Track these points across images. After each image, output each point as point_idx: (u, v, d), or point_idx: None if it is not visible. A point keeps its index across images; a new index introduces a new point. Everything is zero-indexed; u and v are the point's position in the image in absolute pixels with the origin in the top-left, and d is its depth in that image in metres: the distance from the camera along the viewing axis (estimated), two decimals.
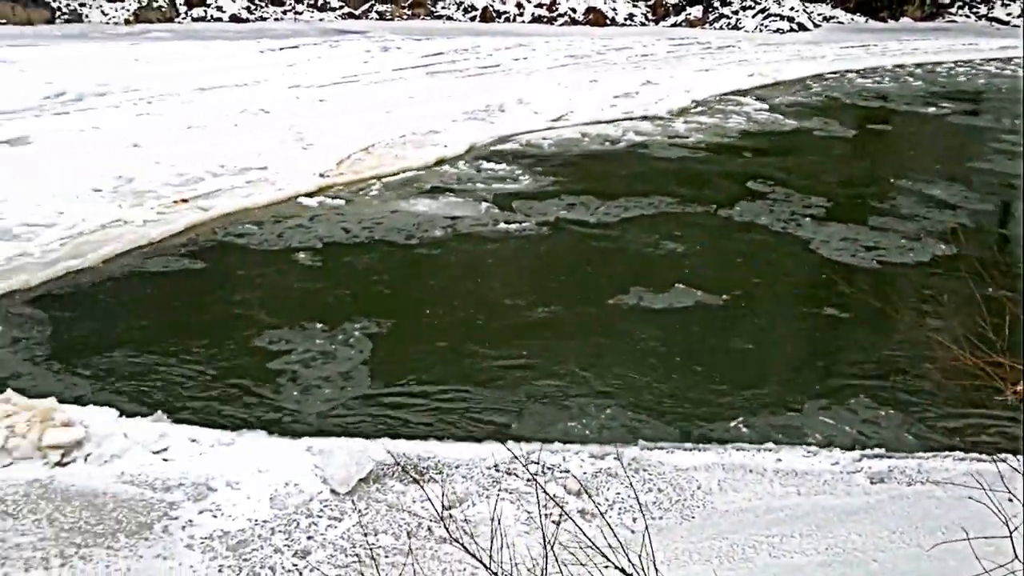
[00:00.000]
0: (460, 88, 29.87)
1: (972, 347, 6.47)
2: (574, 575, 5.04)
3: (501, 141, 22.22)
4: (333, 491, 7.69)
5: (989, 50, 46.44)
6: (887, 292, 13.38)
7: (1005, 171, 20.98)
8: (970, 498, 5.82)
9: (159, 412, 8.90)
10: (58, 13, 47.04)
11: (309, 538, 7.09)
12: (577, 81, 31.89)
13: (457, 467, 8.16)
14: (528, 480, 7.79)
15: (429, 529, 7.22)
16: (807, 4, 57.16)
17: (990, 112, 30.08)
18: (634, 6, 56.36)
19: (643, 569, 4.58)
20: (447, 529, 5.86)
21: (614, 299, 12.41)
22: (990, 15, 60.47)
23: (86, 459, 7.96)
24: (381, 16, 54.07)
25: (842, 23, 57.72)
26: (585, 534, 5.38)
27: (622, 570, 4.56)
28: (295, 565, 6.75)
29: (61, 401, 8.84)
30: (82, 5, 47.97)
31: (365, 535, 7.08)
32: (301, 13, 52.91)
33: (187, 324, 11.39)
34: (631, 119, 25.58)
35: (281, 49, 39.48)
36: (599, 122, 24.94)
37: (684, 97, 28.89)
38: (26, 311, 11.62)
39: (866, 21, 58.65)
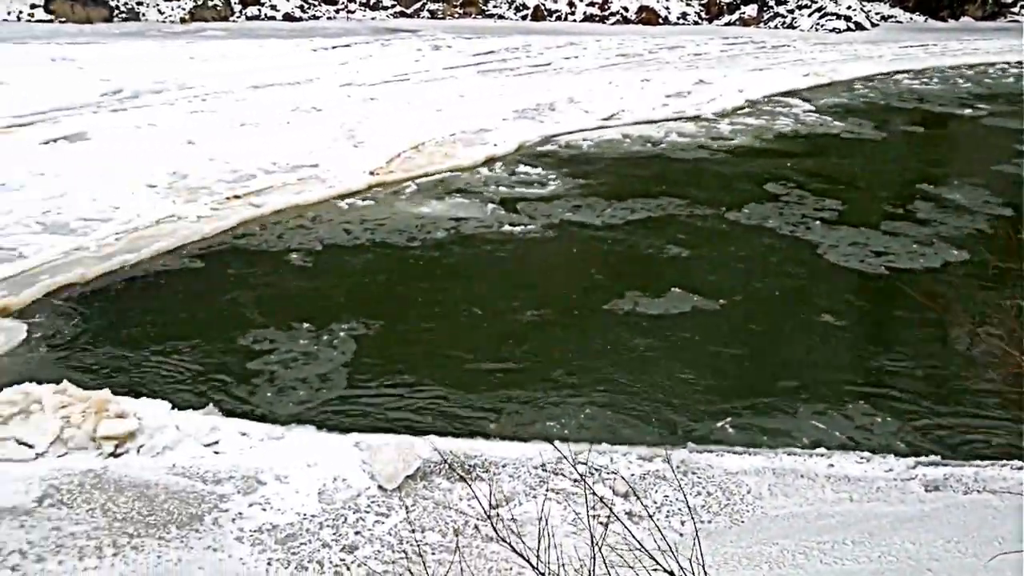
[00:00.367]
0: (511, 87, 29.87)
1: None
2: None
3: (550, 140, 22.16)
4: (380, 487, 7.71)
5: None
6: (894, 298, 12.99)
7: None
8: None
9: (210, 405, 9.01)
10: (116, 11, 47.94)
11: (357, 533, 7.12)
12: (628, 80, 31.68)
13: (504, 466, 8.14)
14: (575, 480, 7.74)
15: (476, 527, 7.21)
16: (864, 3, 56.28)
17: None
18: (687, 5, 55.93)
19: (692, 573, 4.51)
20: (494, 528, 5.85)
21: (609, 304, 12.15)
22: None
23: (139, 450, 8.08)
24: (433, 15, 54.28)
25: (900, 22, 56.78)
26: (634, 536, 5.33)
27: (671, 573, 4.49)
28: (343, 560, 6.78)
29: (115, 393, 8.99)
30: (139, 3, 48.82)
31: (412, 532, 7.09)
32: (353, 12, 53.33)
33: (233, 318, 11.52)
34: (679, 119, 25.36)
35: (333, 47, 39.81)
36: (651, 121, 24.77)
37: (737, 97, 28.58)
38: (82, 303, 11.84)
39: (925, 20, 57.62)
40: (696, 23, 55.44)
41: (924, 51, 44.09)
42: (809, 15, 54.36)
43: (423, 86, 29.71)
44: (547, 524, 6.16)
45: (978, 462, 8.58)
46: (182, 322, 11.31)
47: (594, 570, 4.82)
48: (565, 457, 5.91)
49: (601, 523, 6.76)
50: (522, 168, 19.27)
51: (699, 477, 8.09)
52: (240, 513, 7.29)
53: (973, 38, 50.02)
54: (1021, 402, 8.18)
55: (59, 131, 20.77)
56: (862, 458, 8.55)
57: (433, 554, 6.88)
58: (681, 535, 7.04)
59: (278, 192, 16.72)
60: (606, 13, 54.93)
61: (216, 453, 8.13)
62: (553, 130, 23.05)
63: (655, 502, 7.66)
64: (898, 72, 36.76)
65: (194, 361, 10.28)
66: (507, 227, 15.30)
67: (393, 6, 54.12)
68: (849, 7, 54.79)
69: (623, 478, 7.79)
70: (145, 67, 31.40)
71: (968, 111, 28.90)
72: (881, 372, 10.68)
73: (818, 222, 16.19)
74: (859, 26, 53.67)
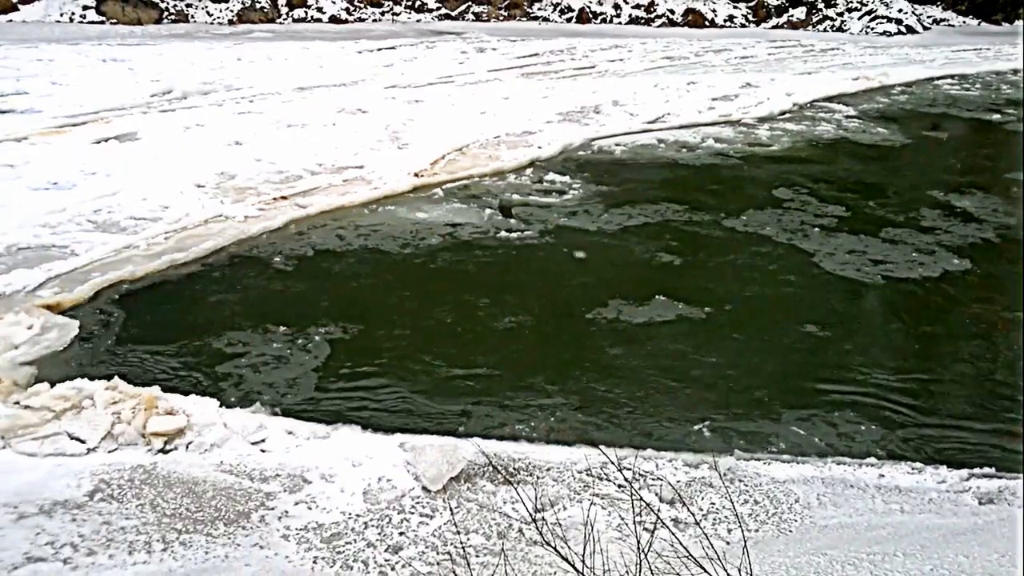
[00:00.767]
0: (555, 89, 29.85)
1: None
2: None
3: (594, 143, 22.10)
4: (424, 488, 7.72)
5: None
6: (887, 308, 12.67)
7: None
8: None
9: (257, 404, 9.09)
10: (166, 13, 48.71)
11: (401, 534, 7.13)
12: (674, 83, 31.53)
13: (548, 470, 8.11)
14: (620, 486, 7.69)
15: (520, 531, 7.18)
16: (916, 6, 55.43)
17: None
18: (734, 7, 55.53)
19: None
20: (539, 531, 5.82)
21: (592, 311, 11.91)
22: None
23: (187, 447, 8.17)
24: (477, 17, 54.47)
25: (953, 26, 55.93)
26: (681, 543, 5.28)
27: None
28: (387, 560, 6.79)
29: (164, 390, 9.11)
30: (188, 6, 49.56)
31: (456, 534, 7.08)
32: (399, 14, 53.68)
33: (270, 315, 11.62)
34: (719, 124, 25.16)
35: (379, 50, 40.10)
36: (697, 125, 24.62)
37: (785, 100, 28.31)
38: (132, 301, 12.01)
39: (978, 24, 56.66)
40: (743, 26, 55.08)
41: (977, 55, 43.40)
42: (859, 18, 53.72)
43: (467, 88, 29.80)
44: (592, 529, 6.12)
45: None
46: (229, 320, 11.41)
47: None
48: (612, 462, 5.86)
49: (646, 529, 6.70)
50: (546, 174, 18.96)
51: (746, 485, 7.99)
52: (286, 511, 7.33)
53: None
54: None
55: (110, 131, 21.12)
56: (914, 469, 8.39)
57: (477, 557, 6.87)
58: (728, 543, 6.96)
59: (323, 193, 16.85)
60: (652, 16, 54.73)
61: (263, 451, 8.19)
62: (598, 133, 22.99)
63: (701, 509, 7.58)
64: (950, 76, 36.15)
65: (241, 359, 10.38)
66: (503, 233, 15.04)
67: (438, 8, 54.40)
68: (900, 10, 54.08)
69: (670, 484, 7.72)
70: (194, 68, 31.86)
71: (996, 116, 28.31)
72: (857, 381, 10.40)
73: (816, 229, 15.81)
74: (910, 29, 52.95)
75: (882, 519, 7.62)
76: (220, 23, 48.99)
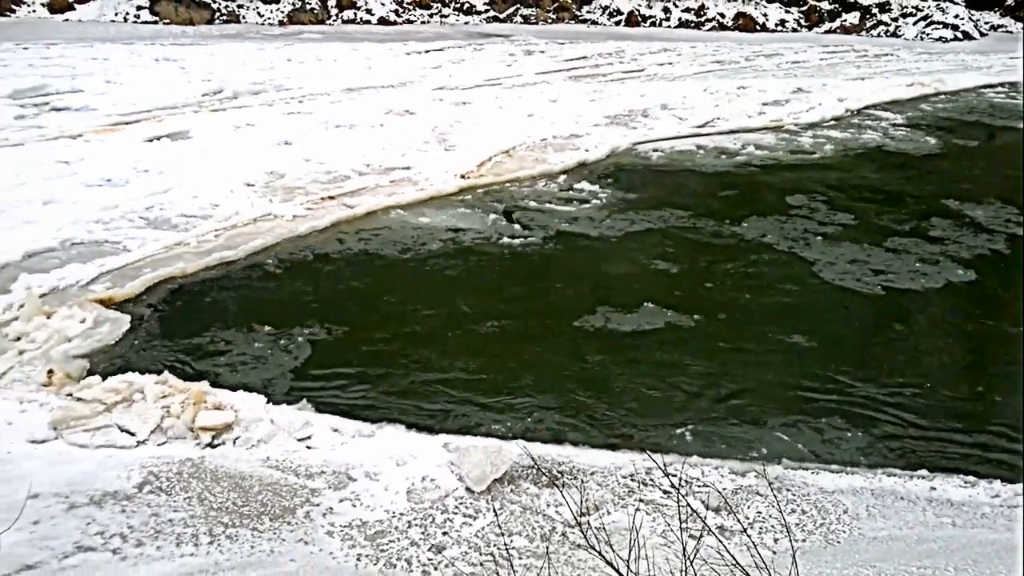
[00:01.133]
0: (603, 92, 29.77)
1: None
2: None
3: (637, 147, 21.97)
4: (468, 489, 7.71)
5: None
6: (883, 318, 12.31)
7: None
8: None
9: (304, 400, 9.15)
10: (217, 14, 49.42)
11: (444, 533, 7.13)
12: (724, 88, 31.26)
13: (592, 474, 8.06)
14: (666, 492, 7.62)
15: (563, 534, 7.15)
16: (973, 12, 54.43)
17: None
18: (786, 12, 54.98)
19: None
20: (584, 535, 5.78)
21: (579, 318, 11.68)
22: None
23: (235, 442, 8.25)
24: (525, 20, 54.55)
25: (1011, 32, 54.79)
26: (728, 551, 5.22)
27: None
28: (430, 559, 6.79)
29: (212, 385, 9.22)
30: (240, 6, 50.26)
31: (500, 535, 7.07)
32: (447, 16, 53.93)
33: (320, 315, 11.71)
34: (762, 131, 24.90)
35: (427, 52, 40.32)
36: (748, 130, 24.37)
37: (838, 106, 27.86)
38: (181, 297, 12.18)
39: None
40: (795, 30, 54.54)
41: None
42: (914, 23, 52.89)
43: (515, 91, 29.83)
44: (637, 534, 6.07)
45: None
46: (275, 317, 11.51)
47: None
48: (660, 467, 5.81)
49: (692, 536, 6.63)
50: (577, 182, 18.62)
51: (793, 494, 7.88)
52: (331, 508, 7.37)
53: None
54: None
55: (163, 129, 21.47)
56: (966, 482, 8.21)
57: (520, 559, 6.85)
58: (774, 553, 6.86)
59: (370, 194, 16.95)
60: (702, 19, 54.40)
61: (308, 448, 8.25)
62: (645, 136, 22.87)
63: (747, 518, 7.48)
64: (1003, 84, 35.40)
65: (287, 355, 10.47)
66: (505, 239, 14.82)
67: (486, 11, 54.59)
68: (957, 16, 53.14)
69: (718, 491, 7.64)
70: (244, 68, 32.30)
71: None
72: (839, 393, 10.15)
73: (819, 237, 15.40)
74: (967, 35, 52.00)
75: (933, 532, 7.47)
76: (271, 24, 49.60)
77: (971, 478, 8.30)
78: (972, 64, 40.92)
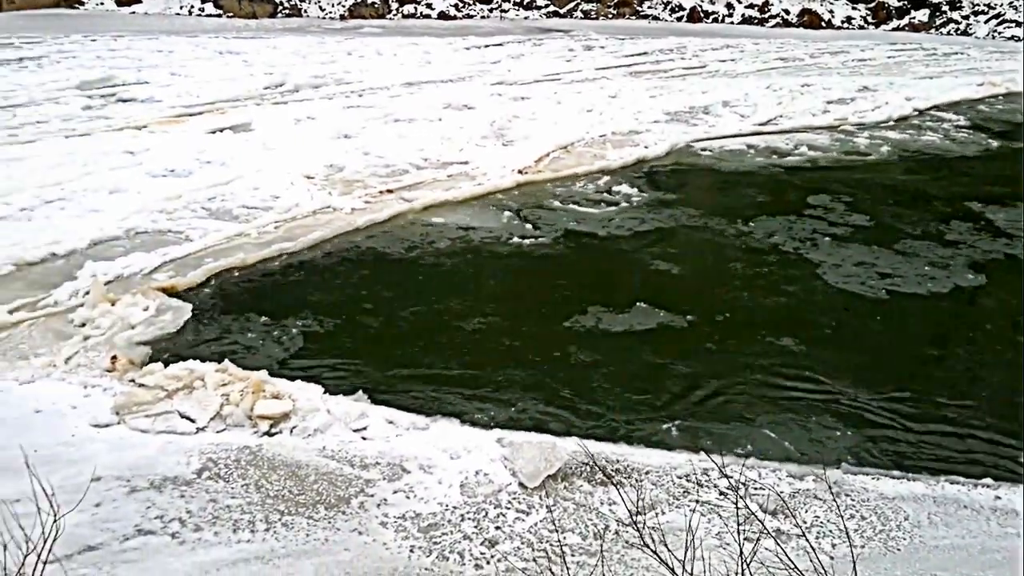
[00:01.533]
0: (664, 89, 29.50)
1: None
2: None
3: (698, 143, 21.72)
4: (521, 485, 7.69)
5: None
6: (881, 323, 11.88)
7: None
8: None
9: (360, 392, 9.20)
10: (280, 7, 50.04)
11: (497, 528, 7.11)
12: (788, 85, 30.77)
13: (647, 473, 7.98)
14: (722, 493, 7.52)
15: (617, 532, 7.09)
16: None
17: None
18: (853, 8, 53.96)
19: None
20: (640, 534, 5.71)
21: (571, 318, 11.48)
22: None
23: (292, 431, 8.33)
24: (586, 15, 54.32)
25: None
26: (787, 554, 5.12)
27: None
28: (483, 553, 6.79)
29: (271, 374, 9.31)
30: (302, 0, 50.77)
31: (553, 531, 7.03)
32: (507, 11, 53.92)
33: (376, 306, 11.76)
34: (830, 129, 24.43)
35: (486, 46, 40.37)
36: (812, 128, 23.95)
37: (905, 105, 27.18)
38: (242, 287, 12.34)
39: None
40: (861, 27, 53.50)
41: None
42: (985, 21, 51.53)
43: (574, 86, 29.71)
44: (693, 535, 5.99)
45: None
46: (332, 309, 11.60)
47: None
48: (719, 467, 5.72)
49: (747, 539, 6.53)
50: (617, 183, 18.16)
51: (853, 500, 7.71)
52: (385, 499, 7.40)
53: None
54: None
55: (225, 121, 21.80)
56: None
57: (573, 556, 6.80)
58: (832, 558, 6.72)
59: (428, 188, 17.00)
60: (765, 15, 53.64)
61: (364, 439, 8.29)
62: (707, 133, 22.61)
63: (805, 521, 7.35)
64: None
65: (344, 346, 10.54)
66: (516, 239, 14.58)
67: (547, 6, 54.44)
68: None
69: (777, 494, 7.51)
70: (305, 62, 32.68)
71: None
72: (826, 400, 9.83)
73: (827, 239, 14.94)
74: None
75: (997, 542, 7.27)
76: (332, 18, 50.11)
77: None
78: None
